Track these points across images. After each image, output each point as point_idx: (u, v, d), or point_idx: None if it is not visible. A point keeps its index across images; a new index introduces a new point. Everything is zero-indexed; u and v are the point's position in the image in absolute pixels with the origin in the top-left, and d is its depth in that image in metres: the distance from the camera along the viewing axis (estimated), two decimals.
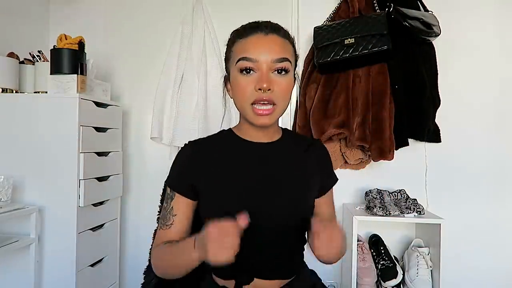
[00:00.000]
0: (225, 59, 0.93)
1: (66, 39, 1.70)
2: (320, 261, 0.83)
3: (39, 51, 1.80)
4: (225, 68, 0.94)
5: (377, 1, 1.83)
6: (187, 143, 0.96)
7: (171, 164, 0.98)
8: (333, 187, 1.03)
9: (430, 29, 1.74)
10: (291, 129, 1.96)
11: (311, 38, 1.87)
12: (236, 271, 0.89)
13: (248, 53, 0.83)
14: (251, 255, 0.88)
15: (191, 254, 0.79)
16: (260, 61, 0.83)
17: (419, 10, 1.81)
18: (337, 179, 1.04)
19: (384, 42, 1.70)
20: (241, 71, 0.84)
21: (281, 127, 1.00)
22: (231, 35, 0.92)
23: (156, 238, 0.95)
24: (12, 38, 1.90)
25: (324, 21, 1.92)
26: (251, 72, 0.84)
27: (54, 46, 1.71)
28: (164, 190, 1.15)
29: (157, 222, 1.10)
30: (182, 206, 0.92)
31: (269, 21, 0.89)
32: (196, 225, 0.94)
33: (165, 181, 0.97)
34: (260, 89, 0.82)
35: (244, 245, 0.86)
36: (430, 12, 1.82)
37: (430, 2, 1.83)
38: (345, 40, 1.75)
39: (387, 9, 1.75)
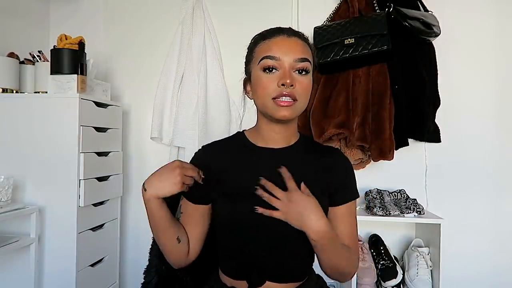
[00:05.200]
0: (246, 62, 0.96)
1: (66, 39, 1.70)
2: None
3: (39, 51, 1.80)
4: (245, 71, 0.96)
5: (377, 1, 1.83)
6: (201, 147, 1.00)
7: None
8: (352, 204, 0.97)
9: (430, 29, 1.74)
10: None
11: (311, 38, 1.87)
12: (248, 272, 0.91)
13: (271, 52, 0.87)
14: (263, 257, 0.90)
15: (144, 198, 0.88)
16: (282, 60, 0.86)
17: (419, 10, 1.81)
18: (357, 196, 0.98)
19: (384, 42, 1.71)
20: (264, 69, 0.87)
21: (300, 133, 1.00)
22: (252, 40, 0.95)
23: None
24: (12, 38, 1.91)
25: (324, 21, 1.92)
26: (274, 70, 0.87)
27: (54, 46, 1.71)
28: None
29: None
30: (189, 207, 0.96)
31: (290, 27, 0.93)
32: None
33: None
34: (283, 85, 0.85)
35: (257, 247, 0.89)
36: (430, 12, 1.82)
37: (430, 2, 1.83)
38: (345, 40, 1.75)
39: (387, 9, 1.75)
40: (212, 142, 1.01)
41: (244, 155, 0.95)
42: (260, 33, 0.94)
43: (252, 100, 0.94)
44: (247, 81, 0.95)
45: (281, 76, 0.85)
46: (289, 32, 0.90)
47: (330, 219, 0.92)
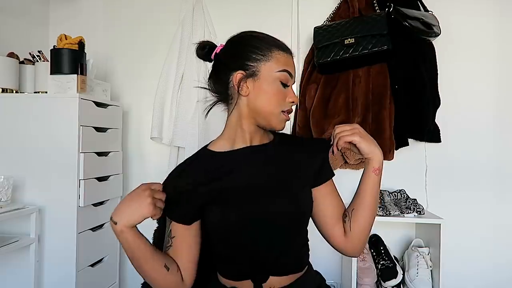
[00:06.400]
0: (248, 57, 0.91)
1: (66, 39, 1.70)
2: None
3: (39, 51, 1.80)
4: (244, 65, 0.91)
5: (377, 1, 1.83)
6: (171, 172, 0.96)
7: (170, 167, 0.99)
8: (335, 185, 1.03)
9: (430, 29, 1.74)
10: (291, 129, 1.97)
11: (311, 38, 1.87)
12: (251, 271, 0.91)
13: (290, 68, 0.93)
14: (263, 254, 0.91)
15: (115, 232, 0.81)
16: (292, 81, 0.95)
17: (419, 10, 1.81)
18: (333, 174, 1.02)
19: (384, 42, 1.71)
20: (282, 82, 0.92)
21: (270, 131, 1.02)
22: (256, 36, 0.93)
23: None
24: (12, 38, 1.90)
25: (324, 21, 1.92)
26: (286, 86, 0.93)
27: (54, 46, 1.71)
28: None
29: (157, 223, 1.11)
30: (180, 230, 0.91)
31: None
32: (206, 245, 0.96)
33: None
34: (292, 102, 0.94)
35: (255, 246, 0.90)
36: (430, 12, 1.82)
37: (430, 2, 1.83)
38: (345, 40, 1.75)
39: (387, 9, 1.75)
40: (181, 164, 0.99)
41: (223, 159, 0.95)
42: (272, 38, 0.94)
43: (244, 97, 0.92)
44: (247, 78, 0.90)
45: (292, 96, 0.94)
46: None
47: (319, 199, 0.97)
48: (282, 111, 0.92)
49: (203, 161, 0.96)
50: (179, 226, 0.90)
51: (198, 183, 0.90)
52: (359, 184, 0.97)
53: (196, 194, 0.89)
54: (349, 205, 0.99)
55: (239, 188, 0.91)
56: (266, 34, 0.95)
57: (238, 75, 0.91)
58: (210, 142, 1.01)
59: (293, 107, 0.98)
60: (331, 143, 0.96)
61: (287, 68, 0.91)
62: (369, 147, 0.93)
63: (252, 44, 0.92)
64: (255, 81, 0.91)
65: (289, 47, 0.96)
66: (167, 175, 0.96)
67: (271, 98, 0.91)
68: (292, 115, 1.99)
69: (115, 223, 0.80)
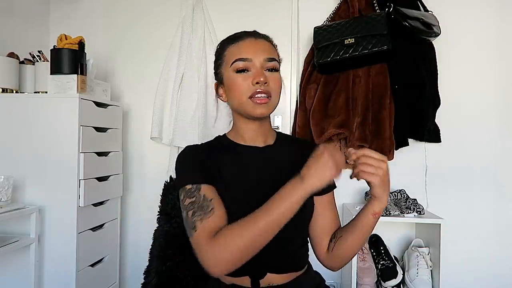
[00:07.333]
0: (216, 67, 0.98)
1: (66, 39, 1.70)
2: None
3: (39, 51, 1.80)
4: (216, 75, 0.99)
5: (377, 1, 1.83)
6: (187, 146, 1.00)
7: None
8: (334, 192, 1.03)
9: (430, 29, 1.74)
10: (291, 129, 1.97)
11: (311, 38, 1.87)
12: (249, 268, 0.90)
13: (242, 54, 0.91)
14: (262, 250, 0.89)
15: (297, 191, 0.80)
16: (254, 61, 0.90)
17: (419, 10, 1.81)
18: (334, 186, 1.02)
19: (384, 42, 1.71)
20: (237, 71, 0.90)
21: (275, 131, 1.04)
22: (219, 45, 0.99)
23: (200, 232, 0.82)
24: (12, 38, 1.91)
25: (324, 21, 1.92)
26: (246, 71, 0.90)
27: (54, 46, 1.71)
28: (164, 190, 1.15)
29: (157, 222, 1.10)
30: (212, 192, 0.88)
31: (256, 30, 0.98)
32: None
33: (179, 183, 0.92)
34: (257, 83, 0.89)
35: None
36: (430, 12, 1.82)
37: (430, 2, 1.83)
38: (345, 40, 1.75)
39: (387, 9, 1.75)
40: (196, 144, 1.02)
41: (230, 155, 0.96)
42: (226, 38, 0.98)
43: (226, 102, 0.98)
44: (219, 85, 0.98)
45: (254, 75, 0.89)
46: (256, 35, 0.95)
47: (316, 207, 0.98)
48: (249, 98, 0.89)
49: (217, 148, 0.98)
50: (210, 188, 0.87)
51: (209, 164, 0.91)
52: (356, 215, 0.95)
53: (209, 170, 0.91)
54: (342, 227, 0.99)
55: (240, 189, 0.91)
56: (229, 36, 0.97)
57: (215, 84, 0.99)
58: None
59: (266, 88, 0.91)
60: (352, 170, 0.91)
61: (238, 56, 0.90)
62: (381, 193, 0.89)
63: (217, 53, 0.98)
64: (224, 85, 0.96)
65: (246, 31, 0.96)
66: (184, 148, 0.98)
67: (233, 92, 0.92)
68: (292, 115, 1.99)
69: (308, 184, 0.80)
